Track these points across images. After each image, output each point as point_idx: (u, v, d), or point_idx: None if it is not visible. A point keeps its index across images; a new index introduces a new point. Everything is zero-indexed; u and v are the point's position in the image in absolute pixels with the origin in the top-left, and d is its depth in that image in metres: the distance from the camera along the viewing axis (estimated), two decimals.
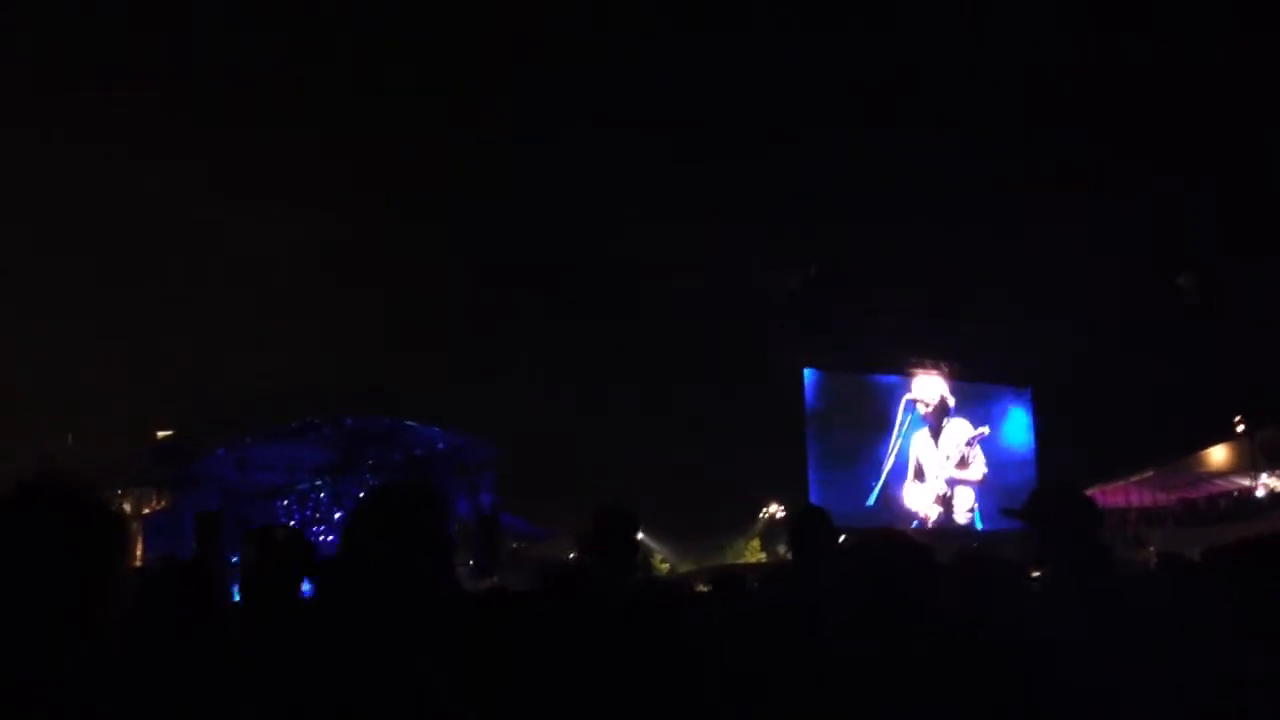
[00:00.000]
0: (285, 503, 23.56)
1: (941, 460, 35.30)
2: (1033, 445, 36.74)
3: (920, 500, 34.91)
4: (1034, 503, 3.03)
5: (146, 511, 27.05)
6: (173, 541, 18.99)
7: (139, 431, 32.91)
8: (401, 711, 2.03)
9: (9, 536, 1.62)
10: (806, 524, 4.29)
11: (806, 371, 34.37)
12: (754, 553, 36.76)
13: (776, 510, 37.89)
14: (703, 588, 7.19)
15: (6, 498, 1.67)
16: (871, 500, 33.91)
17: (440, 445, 24.64)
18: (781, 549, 34.56)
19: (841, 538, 4.16)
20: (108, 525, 1.71)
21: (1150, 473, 33.75)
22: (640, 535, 3.91)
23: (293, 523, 22.57)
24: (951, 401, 35.63)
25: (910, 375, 35.43)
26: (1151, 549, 23.56)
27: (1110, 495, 32.05)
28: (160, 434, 32.69)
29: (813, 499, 32.91)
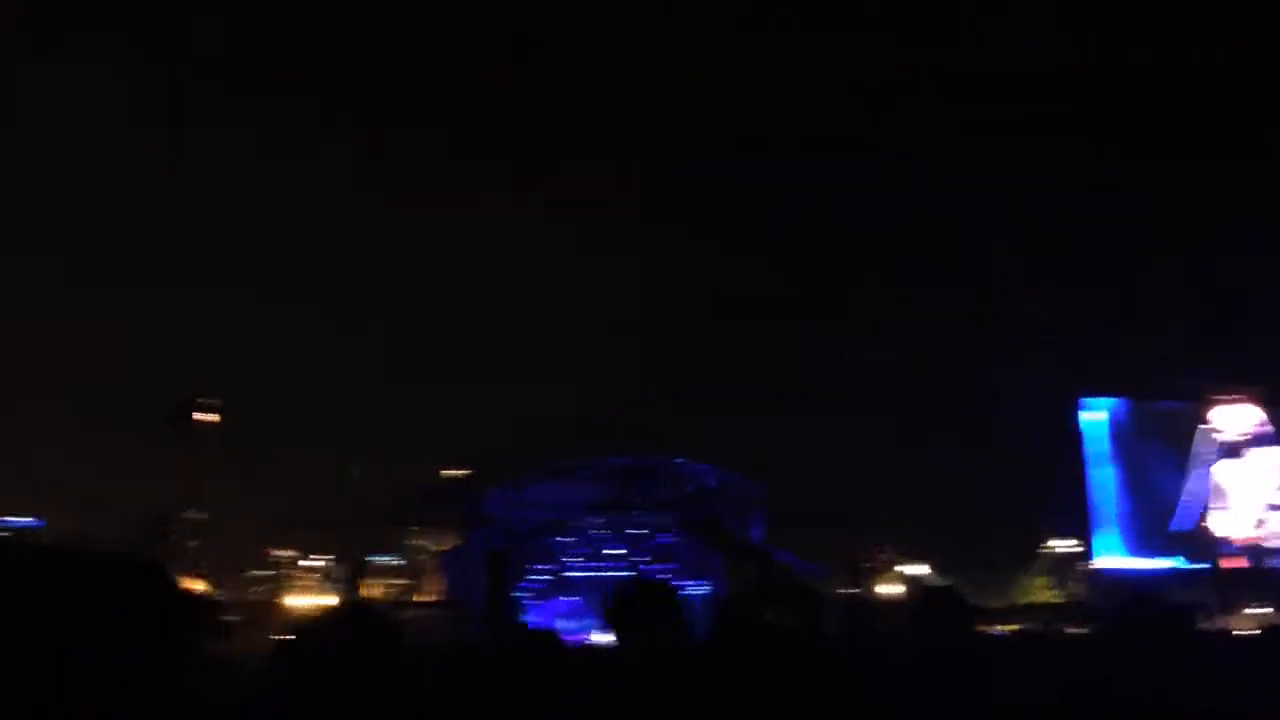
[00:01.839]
0: (564, 539, 24.33)
1: (1251, 487, 33.15)
2: None
3: (1232, 527, 33.16)
4: None
5: (438, 549, 28.89)
6: (464, 577, 19.98)
7: (427, 469, 35.07)
8: None
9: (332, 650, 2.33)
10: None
11: (1092, 401, 33.39)
12: (1041, 590, 35.32)
13: (1057, 544, 36.86)
14: (1015, 625, 7.12)
15: (328, 620, 2.52)
16: (1180, 526, 32.76)
17: (710, 481, 24.82)
18: (1072, 586, 33.76)
19: None
20: (390, 634, 2.42)
21: None
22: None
23: (567, 558, 23.33)
24: (1260, 428, 33.39)
25: (1208, 402, 33.52)
26: None
27: None
28: (445, 473, 34.64)
29: (1107, 527, 32.05)
